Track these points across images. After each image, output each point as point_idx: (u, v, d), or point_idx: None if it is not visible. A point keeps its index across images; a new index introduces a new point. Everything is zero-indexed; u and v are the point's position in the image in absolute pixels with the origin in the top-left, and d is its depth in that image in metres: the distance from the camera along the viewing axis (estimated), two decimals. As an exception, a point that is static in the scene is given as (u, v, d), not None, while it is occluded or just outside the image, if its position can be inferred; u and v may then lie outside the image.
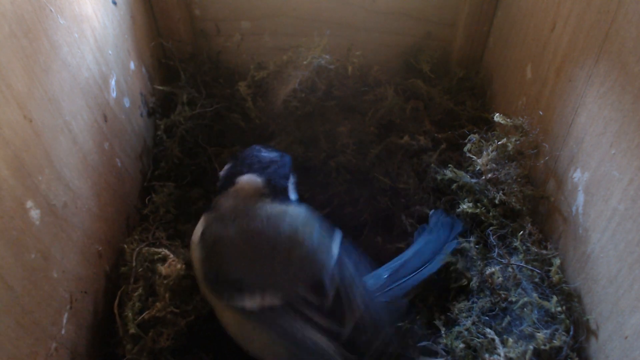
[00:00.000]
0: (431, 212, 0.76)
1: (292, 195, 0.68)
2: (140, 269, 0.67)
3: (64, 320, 0.56)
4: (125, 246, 0.69)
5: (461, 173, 0.72)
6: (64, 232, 0.57)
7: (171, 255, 0.67)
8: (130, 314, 0.63)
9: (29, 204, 0.51)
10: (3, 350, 0.46)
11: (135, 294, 0.64)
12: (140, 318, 0.63)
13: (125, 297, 0.65)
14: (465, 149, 0.73)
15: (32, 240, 0.51)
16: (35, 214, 0.51)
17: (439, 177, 0.76)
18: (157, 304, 0.63)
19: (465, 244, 0.66)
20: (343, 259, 0.60)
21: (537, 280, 0.58)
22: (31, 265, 0.50)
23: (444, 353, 0.58)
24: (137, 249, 0.69)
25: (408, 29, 0.94)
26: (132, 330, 0.62)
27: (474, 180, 0.70)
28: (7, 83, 0.48)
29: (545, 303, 0.55)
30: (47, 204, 0.54)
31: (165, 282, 0.65)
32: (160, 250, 0.68)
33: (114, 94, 0.73)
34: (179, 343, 0.65)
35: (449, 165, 0.75)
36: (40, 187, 0.53)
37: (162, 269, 0.65)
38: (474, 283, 0.61)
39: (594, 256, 0.54)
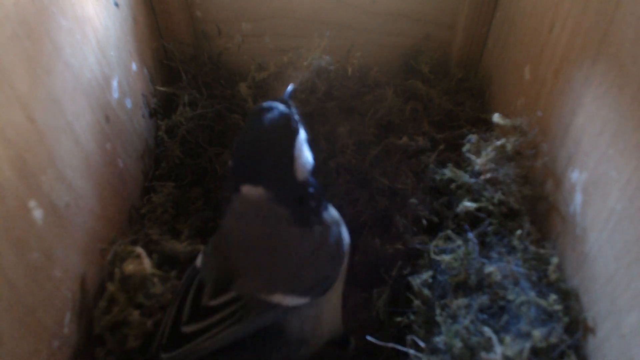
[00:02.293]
0: None
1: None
2: (109, 268, 0.65)
3: (67, 319, 0.56)
4: (107, 246, 0.67)
5: (460, 172, 0.72)
6: (66, 231, 0.57)
7: (143, 253, 0.65)
8: (97, 314, 0.61)
9: (32, 203, 0.51)
10: (6, 348, 0.46)
11: (106, 294, 0.62)
12: (103, 320, 0.61)
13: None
14: (464, 149, 0.74)
15: (34, 239, 0.51)
16: (38, 213, 0.52)
17: (437, 177, 0.76)
18: (115, 306, 0.61)
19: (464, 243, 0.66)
20: None
21: (534, 279, 0.58)
22: (34, 264, 0.51)
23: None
24: (114, 248, 0.67)
25: (407, 31, 0.95)
26: (97, 331, 0.60)
27: (472, 180, 0.70)
28: (10, 84, 0.49)
29: (542, 301, 0.55)
30: (50, 204, 0.54)
31: (127, 282, 0.63)
32: (134, 248, 0.66)
33: (116, 95, 0.74)
34: (150, 341, 0.62)
35: (448, 164, 0.75)
36: (43, 187, 0.53)
37: (127, 267, 0.63)
38: (472, 281, 0.61)
39: (592, 255, 0.55)
